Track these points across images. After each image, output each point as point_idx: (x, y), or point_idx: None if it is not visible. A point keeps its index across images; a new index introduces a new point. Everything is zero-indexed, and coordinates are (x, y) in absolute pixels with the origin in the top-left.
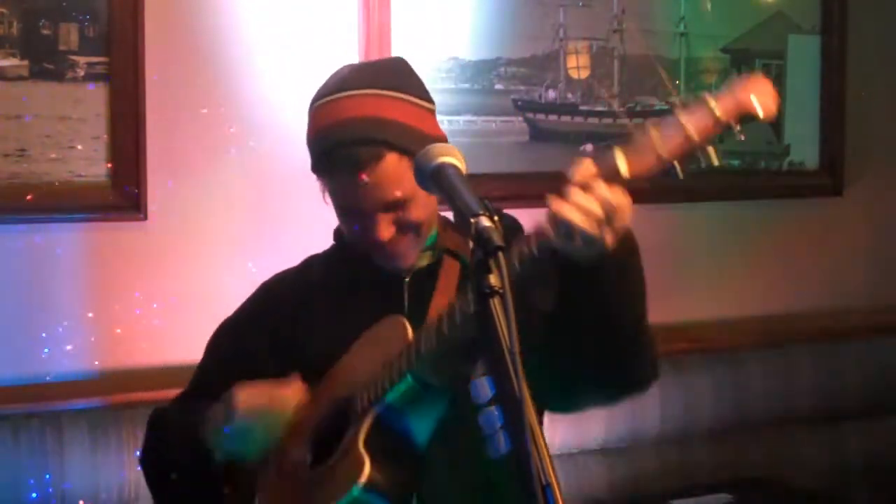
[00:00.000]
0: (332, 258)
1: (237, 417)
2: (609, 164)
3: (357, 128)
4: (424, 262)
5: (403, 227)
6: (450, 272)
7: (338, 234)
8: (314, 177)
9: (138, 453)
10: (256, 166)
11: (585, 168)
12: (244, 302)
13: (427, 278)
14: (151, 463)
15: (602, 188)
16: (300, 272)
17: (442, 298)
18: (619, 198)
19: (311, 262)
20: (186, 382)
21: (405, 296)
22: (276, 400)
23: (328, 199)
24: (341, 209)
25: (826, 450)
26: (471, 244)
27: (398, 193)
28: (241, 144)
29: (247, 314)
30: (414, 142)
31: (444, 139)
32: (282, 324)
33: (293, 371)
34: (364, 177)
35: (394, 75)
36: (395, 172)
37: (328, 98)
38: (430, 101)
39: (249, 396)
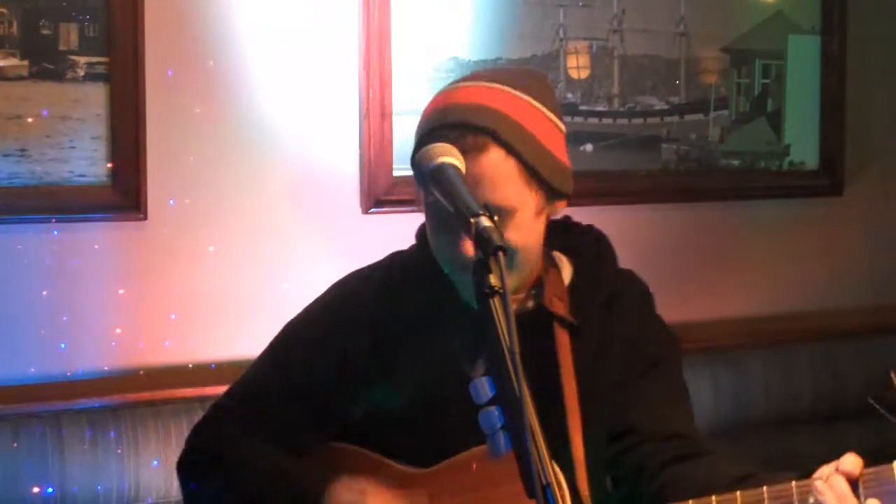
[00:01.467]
0: (420, 271)
1: None
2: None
3: (466, 112)
4: (523, 305)
5: None
6: (562, 337)
7: (423, 236)
8: (314, 175)
9: (180, 460)
10: (256, 166)
11: (855, 464)
12: (319, 307)
13: (530, 334)
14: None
15: None
16: (384, 287)
17: (567, 377)
18: None
19: (394, 276)
20: (184, 383)
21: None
22: None
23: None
24: (429, 210)
25: (826, 450)
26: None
27: (496, 197)
28: (241, 144)
29: (319, 328)
30: (531, 151)
31: (566, 169)
32: (358, 353)
33: (363, 408)
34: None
35: (529, 79)
36: (496, 172)
37: (449, 86)
38: (563, 123)
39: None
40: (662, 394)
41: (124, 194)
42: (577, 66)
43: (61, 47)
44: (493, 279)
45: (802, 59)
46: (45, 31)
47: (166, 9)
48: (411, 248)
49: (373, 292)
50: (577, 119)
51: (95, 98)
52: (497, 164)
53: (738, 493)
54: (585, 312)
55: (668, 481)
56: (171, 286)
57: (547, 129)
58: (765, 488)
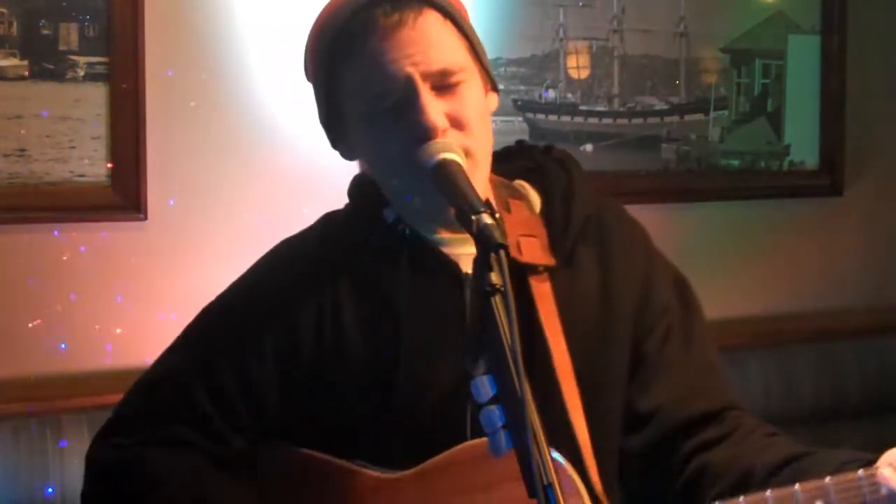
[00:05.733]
0: (358, 227)
1: None
2: None
3: None
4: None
5: (456, 124)
6: (540, 287)
7: (356, 187)
8: (315, 175)
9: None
10: (257, 166)
11: None
12: (246, 284)
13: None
14: None
15: None
16: (321, 246)
17: (555, 338)
18: None
19: (329, 235)
20: None
21: (466, 294)
22: None
23: (355, 128)
24: (375, 101)
25: None
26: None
27: (447, 61)
28: (241, 144)
29: (259, 299)
30: (465, 24)
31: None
32: (311, 324)
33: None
34: (403, 30)
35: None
36: (439, 35)
37: None
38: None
39: None
40: (690, 361)
41: (124, 194)
42: (577, 66)
43: (61, 47)
44: (495, 277)
45: (802, 58)
46: (45, 31)
47: (166, 9)
48: (346, 206)
49: (312, 255)
50: (577, 119)
51: (95, 98)
52: (438, 28)
53: (797, 486)
54: (565, 248)
55: (695, 476)
56: (171, 286)
57: (468, 21)
58: (828, 479)
